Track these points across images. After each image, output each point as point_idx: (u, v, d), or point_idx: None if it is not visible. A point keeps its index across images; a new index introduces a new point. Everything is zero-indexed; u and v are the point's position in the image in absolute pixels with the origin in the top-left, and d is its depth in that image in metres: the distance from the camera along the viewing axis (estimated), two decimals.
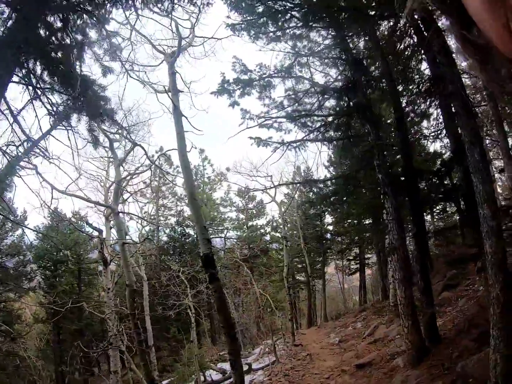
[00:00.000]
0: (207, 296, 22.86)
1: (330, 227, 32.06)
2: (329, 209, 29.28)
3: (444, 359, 8.61)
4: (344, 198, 12.05)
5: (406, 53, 10.13)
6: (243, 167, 22.91)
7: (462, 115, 6.59)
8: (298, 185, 28.77)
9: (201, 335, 25.53)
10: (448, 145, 11.28)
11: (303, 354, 15.30)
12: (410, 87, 11.03)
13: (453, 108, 7.54)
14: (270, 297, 21.07)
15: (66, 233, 27.16)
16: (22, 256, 25.72)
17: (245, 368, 15.61)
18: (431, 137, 13.87)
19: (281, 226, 27.70)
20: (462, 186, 10.12)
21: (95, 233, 14.55)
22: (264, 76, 11.29)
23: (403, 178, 10.16)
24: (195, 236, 31.15)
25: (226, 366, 17.34)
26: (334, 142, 13.14)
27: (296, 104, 11.99)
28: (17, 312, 22.86)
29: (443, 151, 15.59)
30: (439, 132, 13.24)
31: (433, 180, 11.14)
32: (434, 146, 20.07)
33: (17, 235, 25.67)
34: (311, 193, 20.04)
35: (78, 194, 11.98)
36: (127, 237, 17.28)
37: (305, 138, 11.67)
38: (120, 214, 14.48)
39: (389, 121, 13.51)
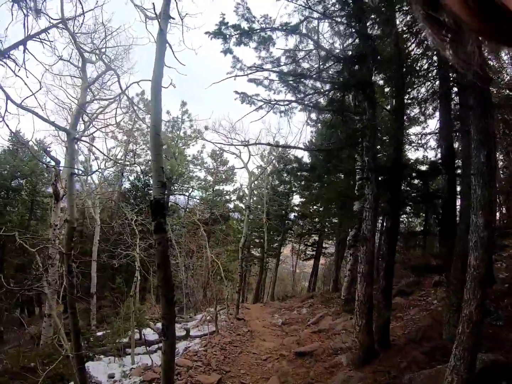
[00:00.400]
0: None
1: (296, 209, 31.56)
2: (300, 188, 28.80)
3: (391, 366, 8.07)
4: (321, 176, 11.22)
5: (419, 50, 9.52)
6: (221, 126, 21.74)
7: (476, 109, 5.80)
8: (273, 158, 28.06)
9: (147, 291, 24.76)
10: (432, 154, 10.73)
11: (244, 329, 14.69)
12: (416, 80, 10.34)
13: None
14: (222, 266, 20.38)
15: (24, 160, 25.40)
16: None
17: (183, 333, 14.97)
18: (415, 144, 13.36)
19: (247, 196, 26.88)
20: (445, 193, 9.53)
21: (53, 163, 13.32)
22: (266, 28, 10.24)
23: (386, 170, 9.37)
24: None
25: None
26: (321, 117, 12.33)
27: (294, 64, 11.00)
28: None
29: (424, 160, 15.25)
30: (425, 141, 12.78)
31: (415, 180, 10.47)
32: (415, 154, 19.47)
33: None
34: (285, 166, 19.09)
35: (38, 112, 10.68)
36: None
37: (295, 101, 10.74)
38: (78, 143, 13.34)
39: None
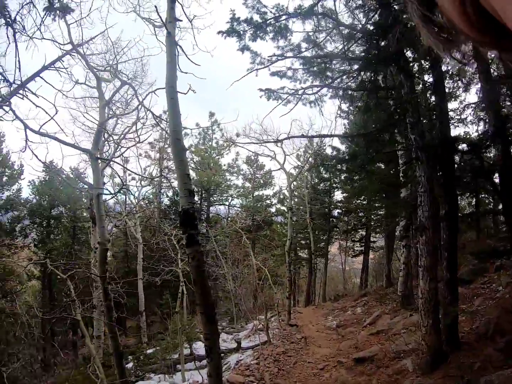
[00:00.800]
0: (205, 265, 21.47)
1: (339, 205, 30.27)
2: (341, 183, 27.60)
3: (463, 369, 6.87)
4: (363, 165, 10.04)
5: None
6: (252, 129, 20.79)
7: None
8: (308, 156, 26.95)
9: (196, 304, 24.10)
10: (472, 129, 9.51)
11: (297, 336, 13.68)
12: None
13: None
14: (270, 271, 19.51)
15: (61, 188, 25.33)
16: (17, 212, 24.28)
17: (234, 345, 14.16)
18: (454, 121, 12.09)
19: (287, 198, 25.84)
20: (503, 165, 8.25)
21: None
22: (280, 16, 9.30)
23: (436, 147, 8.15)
24: (198, 201, 29.56)
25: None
26: (353, 106, 11.23)
27: (316, 49, 9.99)
28: (10, 269, 21.40)
29: (465, 136, 13.92)
30: (465, 116, 11.60)
31: (468, 155, 9.17)
32: (454, 132, 17.94)
33: (13, 189, 24.26)
34: (323, 162, 17.91)
35: (61, 137, 10.19)
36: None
37: (323, 86, 9.72)
38: (112, 164, 12.84)
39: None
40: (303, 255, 32.54)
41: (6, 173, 23.46)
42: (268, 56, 9.92)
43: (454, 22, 0.46)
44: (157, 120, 9.39)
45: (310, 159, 27.63)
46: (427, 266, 7.23)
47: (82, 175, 19.19)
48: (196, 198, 29.28)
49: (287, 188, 19.67)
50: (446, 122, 8.15)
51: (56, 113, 8.15)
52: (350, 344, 11.68)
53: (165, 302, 20.49)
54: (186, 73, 8.17)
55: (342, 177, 28.81)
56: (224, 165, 31.92)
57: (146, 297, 21.63)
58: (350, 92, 10.18)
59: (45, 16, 8.43)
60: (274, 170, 29.37)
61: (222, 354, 13.57)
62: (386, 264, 20.25)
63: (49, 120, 8.10)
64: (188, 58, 7.44)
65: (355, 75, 9.47)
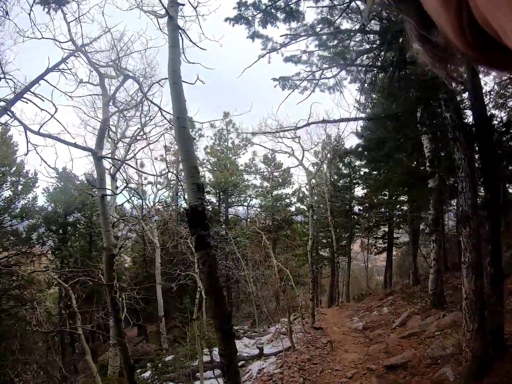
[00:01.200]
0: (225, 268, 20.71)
1: (360, 201, 29.16)
2: (361, 179, 26.56)
3: None
4: (391, 152, 9.05)
5: None
6: (268, 126, 19.87)
7: None
8: (327, 152, 25.86)
9: (211, 317, 23.29)
10: None
11: (322, 341, 12.73)
12: None
13: None
14: (292, 271, 18.61)
15: (75, 194, 24.74)
16: (33, 220, 23.76)
17: (256, 351, 13.28)
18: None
19: (307, 197, 24.84)
20: None
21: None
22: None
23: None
24: (216, 203, 28.81)
25: (240, 344, 15.14)
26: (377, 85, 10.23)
27: (332, 28, 9.04)
28: (29, 277, 20.98)
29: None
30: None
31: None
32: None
33: (29, 197, 23.71)
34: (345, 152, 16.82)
35: (63, 137, 9.42)
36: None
37: (343, 66, 8.78)
38: (125, 167, 12.09)
39: None
40: (325, 254, 31.57)
41: (21, 182, 23.03)
42: (280, 36, 9.07)
43: (452, 42, 0.45)
44: (163, 114, 8.52)
45: (329, 155, 26.58)
46: (471, 263, 6.22)
47: (94, 179, 18.55)
48: (214, 199, 28.70)
49: (306, 186, 18.75)
50: (480, 98, 7.11)
51: (56, 111, 7.47)
52: (379, 348, 10.69)
53: (184, 307, 19.77)
54: (193, 63, 7.52)
55: (362, 172, 27.99)
56: (241, 165, 31.21)
57: (166, 302, 20.90)
58: (373, 71, 9.19)
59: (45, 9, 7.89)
60: (292, 167, 28.47)
61: (244, 362, 12.73)
62: (412, 260, 19.14)
63: (50, 119, 7.45)
64: (191, 41, 6.62)
65: (377, 53, 8.51)
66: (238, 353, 11.77)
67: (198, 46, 6.90)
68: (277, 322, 17.25)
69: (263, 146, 20.95)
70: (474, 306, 6.22)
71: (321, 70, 9.40)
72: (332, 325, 15.51)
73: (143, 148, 15.10)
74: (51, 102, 7.65)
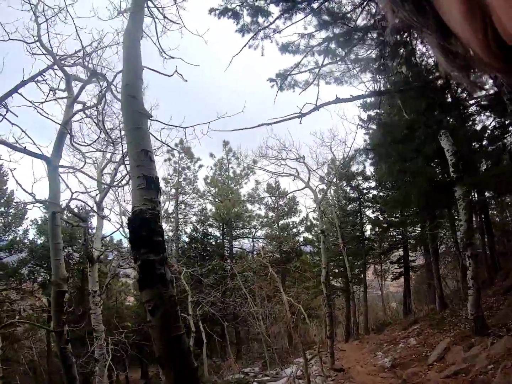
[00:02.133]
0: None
1: (368, 227, 27.27)
2: (370, 200, 24.85)
3: None
4: (419, 149, 7.12)
5: None
6: (269, 147, 18.26)
7: None
8: (333, 176, 23.87)
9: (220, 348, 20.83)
10: None
11: None
12: None
13: None
14: (304, 305, 16.32)
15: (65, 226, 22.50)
16: (24, 254, 21.82)
17: None
18: None
19: (315, 223, 22.74)
20: None
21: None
22: None
23: None
24: (220, 236, 26.80)
25: None
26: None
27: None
28: (19, 314, 18.97)
29: None
30: None
31: None
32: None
33: (19, 230, 21.98)
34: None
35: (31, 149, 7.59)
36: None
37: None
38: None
39: None
40: (337, 285, 29.19)
41: (10, 213, 21.26)
42: (275, 28, 7.38)
43: (476, 53, 0.45)
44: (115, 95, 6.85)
45: (335, 179, 24.73)
46: None
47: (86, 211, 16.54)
48: (217, 233, 26.66)
49: (316, 209, 16.74)
50: None
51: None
52: None
53: (192, 351, 17.48)
54: (173, 57, 6.35)
55: (371, 195, 26.19)
56: (244, 195, 29.42)
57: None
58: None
59: None
60: (298, 190, 26.44)
61: None
62: (437, 282, 16.84)
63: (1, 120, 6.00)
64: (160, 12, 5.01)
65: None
66: None
67: (166, 17, 5.30)
68: (292, 362, 14.90)
69: (266, 170, 19.11)
70: None
71: (324, 57, 7.63)
72: (355, 364, 13.30)
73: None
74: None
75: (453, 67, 0.51)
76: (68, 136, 7.16)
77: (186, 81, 5.95)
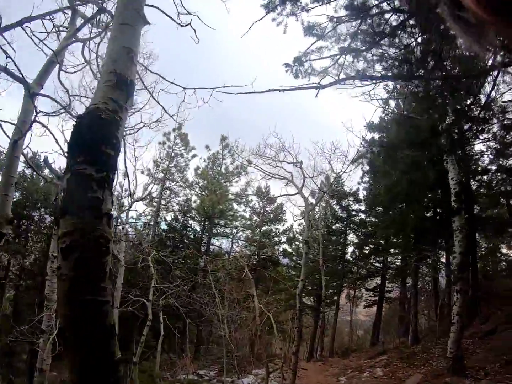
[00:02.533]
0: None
1: (350, 249, 26.62)
2: (355, 224, 24.43)
3: None
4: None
5: None
6: (268, 146, 17.42)
7: None
8: (324, 193, 23.15)
9: (180, 345, 19.72)
10: None
11: None
12: None
13: None
14: (274, 316, 15.52)
15: (38, 181, 20.91)
16: None
17: None
18: None
19: (299, 235, 21.97)
20: None
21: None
22: None
23: None
24: (200, 231, 25.91)
25: None
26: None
27: None
28: None
29: None
30: None
31: None
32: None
33: None
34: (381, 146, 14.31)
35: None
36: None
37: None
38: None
39: None
40: (308, 303, 28.36)
41: None
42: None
43: (476, 13, 0.48)
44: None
45: (326, 195, 24.00)
46: None
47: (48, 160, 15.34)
48: (197, 227, 25.77)
49: (305, 218, 15.95)
50: None
51: None
52: None
53: (144, 340, 16.32)
54: (189, 13, 5.32)
55: (358, 219, 25.62)
56: (232, 194, 28.51)
57: (124, 332, 17.13)
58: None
59: None
60: (290, 195, 25.77)
61: None
62: (414, 316, 16.18)
63: None
64: None
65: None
66: None
67: None
68: (249, 373, 14.05)
69: (260, 169, 18.26)
70: None
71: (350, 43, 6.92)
72: None
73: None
74: None
75: (465, 34, 0.53)
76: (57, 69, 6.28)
77: (198, 40, 5.28)
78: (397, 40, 6.96)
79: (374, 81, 6.82)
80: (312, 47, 7.23)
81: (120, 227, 16.57)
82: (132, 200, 17.08)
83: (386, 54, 7.07)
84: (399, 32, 6.85)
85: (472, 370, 9.61)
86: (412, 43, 7.03)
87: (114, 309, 16.10)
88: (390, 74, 7.56)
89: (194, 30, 5.09)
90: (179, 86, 5.45)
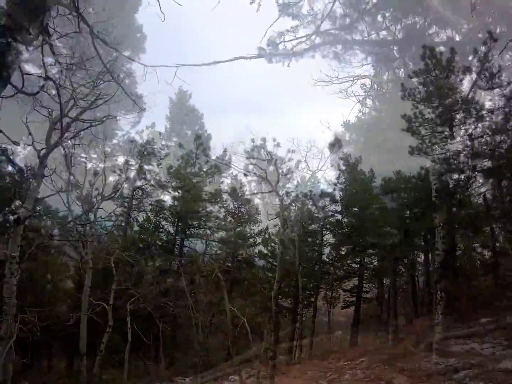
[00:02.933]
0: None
1: (327, 250, 26.41)
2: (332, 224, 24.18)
3: None
4: None
5: None
6: (241, 142, 17.36)
7: None
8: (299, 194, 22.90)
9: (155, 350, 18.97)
10: None
11: None
12: None
13: None
14: (249, 319, 15.07)
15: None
16: None
17: None
18: None
19: (273, 234, 21.68)
20: None
21: None
22: None
23: None
24: (173, 232, 25.21)
25: None
26: None
27: None
28: None
29: None
30: None
31: None
32: None
33: None
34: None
35: None
36: None
37: None
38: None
39: None
40: (285, 304, 27.99)
41: None
42: None
43: None
44: None
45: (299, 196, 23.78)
46: None
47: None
48: (171, 229, 25.03)
49: (280, 215, 15.72)
50: None
51: None
52: None
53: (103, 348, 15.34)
54: None
55: (334, 219, 25.35)
56: (206, 194, 27.78)
57: (93, 337, 16.13)
58: None
59: None
60: (265, 192, 25.46)
61: None
62: (393, 317, 15.98)
63: None
64: None
65: None
66: None
67: None
68: (226, 379, 13.56)
69: (233, 166, 18.18)
70: None
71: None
72: None
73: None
74: None
75: None
76: None
77: (164, 16, 4.83)
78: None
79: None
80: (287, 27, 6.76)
81: (88, 227, 15.93)
82: (101, 198, 16.46)
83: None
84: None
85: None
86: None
87: (82, 315, 15.30)
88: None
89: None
90: (140, 63, 4.94)
